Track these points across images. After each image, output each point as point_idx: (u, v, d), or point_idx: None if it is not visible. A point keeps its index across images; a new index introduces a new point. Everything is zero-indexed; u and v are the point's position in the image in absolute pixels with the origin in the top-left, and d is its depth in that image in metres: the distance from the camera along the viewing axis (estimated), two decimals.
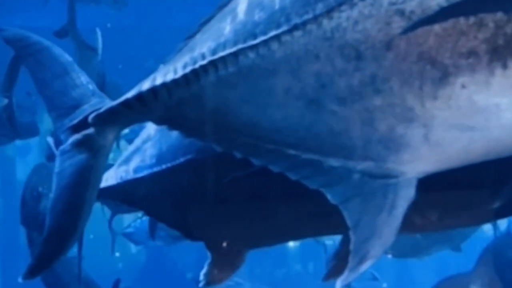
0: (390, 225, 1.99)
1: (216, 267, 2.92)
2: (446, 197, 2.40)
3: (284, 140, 2.15)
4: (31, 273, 2.43)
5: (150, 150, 2.84)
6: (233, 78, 2.18)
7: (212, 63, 2.20)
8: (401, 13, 1.90)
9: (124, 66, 7.47)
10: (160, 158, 2.79)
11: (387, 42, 1.92)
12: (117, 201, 3.08)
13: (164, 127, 2.70)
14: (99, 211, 7.11)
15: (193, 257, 12.32)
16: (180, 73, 2.27)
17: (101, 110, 2.44)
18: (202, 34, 2.32)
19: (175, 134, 2.66)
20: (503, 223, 6.19)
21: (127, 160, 2.94)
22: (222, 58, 2.18)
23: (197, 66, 2.23)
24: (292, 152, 2.15)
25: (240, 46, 2.15)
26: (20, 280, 2.45)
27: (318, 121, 2.07)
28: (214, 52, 2.20)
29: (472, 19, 1.84)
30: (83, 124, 2.47)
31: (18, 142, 8.38)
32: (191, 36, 2.37)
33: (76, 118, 2.53)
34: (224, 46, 2.19)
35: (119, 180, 2.93)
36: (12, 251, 6.63)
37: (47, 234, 2.44)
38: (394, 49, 1.92)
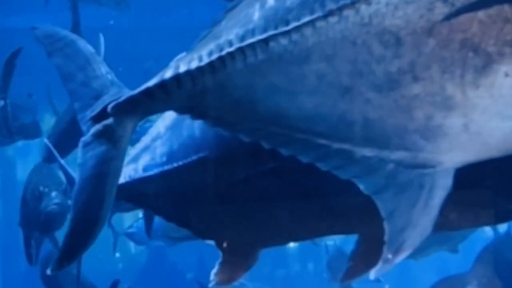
0: (427, 216, 1.95)
1: (227, 267, 2.89)
2: (466, 196, 2.35)
3: (315, 129, 2.10)
4: (59, 265, 2.44)
5: (160, 148, 2.81)
6: (262, 65, 2.12)
7: (240, 50, 2.15)
8: None
9: (124, 67, 7.46)
10: (171, 156, 2.75)
11: (429, 28, 1.88)
12: (124, 201, 3.03)
13: (176, 123, 2.68)
14: None
15: (193, 258, 12.31)
16: (205, 60, 2.21)
17: (120, 100, 2.40)
18: (227, 21, 2.26)
19: (186, 132, 2.68)
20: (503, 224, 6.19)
21: (135, 159, 2.90)
22: (251, 45, 2.13)
23: (224, 53, 2.18)
24: (322, 141, 2.10)
25: (271, 32, 2.09)
26: (48, 272, 2.47)
27: (352, 109, 2.02)
28: (242, 39, 2.15)
29: None
30: (102, 114, 2.45)
31: (18, 142, 8.38)
32: (216, 23, 2.31)
33: (96, 109, 2.51)
34: (253, 32, 2.13)
35: (127, 179, 2.89)
36: (12, 251, 6.62)
37: (72, 226, 2.44)
38: (436, 35, 1.88)
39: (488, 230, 6.74)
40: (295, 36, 2.06)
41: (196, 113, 2.33)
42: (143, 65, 9.88)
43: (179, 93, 2.28)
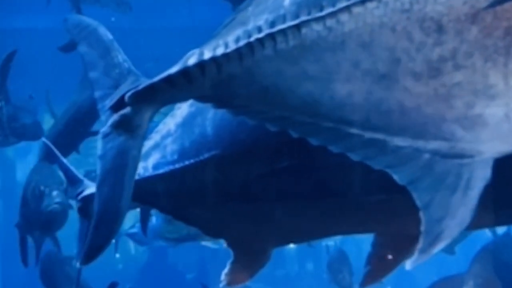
0: (465, 206, 1.91)
1: (239, 266, 2.86)
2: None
3: (346, 118, 2.05)
4: (87, 258, 2.45)
5: (171, 146, 2.77)
6: (294, 52, 2.06)
7: (270, 36, 2.09)
8: None
9: None
10: (182, 154, 2.71)
11: (472, 15, 1.83)
12: (133, 199, 3.02)
13: (186, 120, 2.65)
14: None
15: (193, 259, 12.31)
16: (232, 47, 2.16)
17: (139, 88, 2.36)
18: (255, 7, 2.20)
19: (198, 129, 2.65)
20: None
21: (145, 156, 2.85)
22: (282, 31, 2.07)
23: (252, 39, 2.12)
24: (353, 131, 2.05)
25: (303, 18, 2.03)
26: (77, 265, 2.49)
27: (388, 97, 1.97)
28: (272, 24, 2.09)
29: None
30: (120, 104, 2.41)
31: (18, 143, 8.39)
32: (242, 9, 2.25)
33: (113, 99, 2.47)
34: (284, 18, 2.07)
35: (136, 177, 2.81)
36: (12, 251, 6.62)
37: (96, 218, 2.43)
38: (479, 23, 1.83)
39: (487, 231, 6.74)
40: (330, 22, 2.00)
41: (219, 102, 2.28)
42: (143, 66, 9.88)
43: (202, 80, 2.22)
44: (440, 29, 1.87)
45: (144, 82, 2.38)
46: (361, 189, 2.38)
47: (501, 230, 6.40)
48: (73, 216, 5.85)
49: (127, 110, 2.38)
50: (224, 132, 2.55)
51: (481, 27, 1.83)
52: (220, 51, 2.18)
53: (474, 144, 1.93)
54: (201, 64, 2.20)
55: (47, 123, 7.77)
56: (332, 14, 1.99)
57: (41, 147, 7.10)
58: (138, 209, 6.76)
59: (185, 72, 2.24)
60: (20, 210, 6.46)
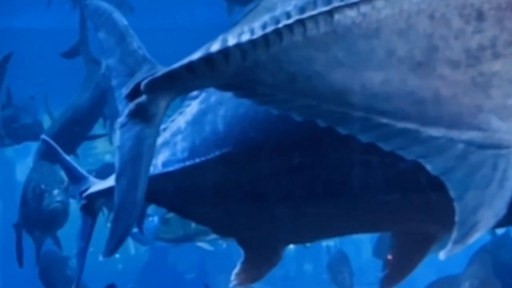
0: (501, 197, 1.87)
1: (250, 266, 2.81)
2: None
3: (377, 107, 1.99)
4: (109, 251, 2.42)
5: (181, 144, 2.73)
6: (325, 39, 2.00)
7: (300, 22, 2.02)
8: None
9: None
10: (192, 151, 2.67)
11: None
12: None
13: (197, 117, 2.61)
14: None
15: (193, 259, 12.32)
16: (259, 33, 2.08)
17: (156, 75, 2.30)
18: None
19: (208, 127, 2.61)
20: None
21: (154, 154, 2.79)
22: (313, 17, 2.00)
23: (280, 25, 2.05)
24: (384, 120, 1.99)
25: (336, 4, 1.98)
26: (101, 258, 2.47)
27: (424, 86, 1.92)
28: (302, 10, 2.02)
29: None
30: (136, 92, 2.36)
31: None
32: None
33: (129, 87, 2.42)
34: (314, 4, 2.01)
35: None
36: (12, 251, 6.62)
37: (115, 210, 2.40)
38: None
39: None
40: (364, 8, 1.95)
41: (242, 90, 2.21)
42: None
43: (225, 68, 2.15)
44: (480, 16, 1.83)
45: (161, 70, 2.33)
46: (375, 188, 2.35)
47: (500, 230, 6.40)
48: (72, 215, 5.88)
49: (142, 98, 2.33)
50: (235, 130, 2.52)
51: None
52: (245, 37, 2.11)
53: (511, 135, 1.88)
54: (225, 51, 2.13)
55: (47, 123, 7.78)
56: (367, 0, 1.95)
57: (39, 146, 7.10)
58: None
59: (208, 58, 2.16)
60: (19, 210, 6.43)
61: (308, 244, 8.37)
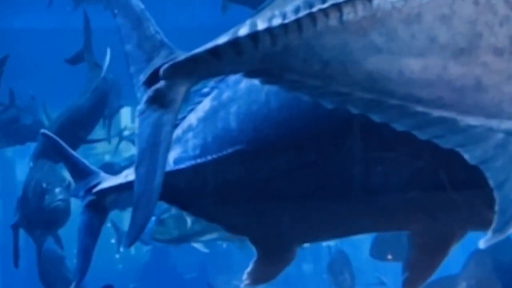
0: None
1: (263, 265, 2.78)
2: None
3: (415, 95, 1.94)
4: (130, 240, 2.39)
5: (192, 141, 2.70)
6: (362, 24, 1.94)
7: (337, 6, 1.96)
8: None
9: (122, 69, 7.46)
10: (204, 148, 2.64)
11: None
12: None
13: (209, 114, 2.58)
14: None
15: (192, 259, 12.30)
16: (291, 17, 2.01)
17: (178, 60, 2.23)
18: None
19: (221, 124, 2.58)
20: None
21: None
22: (350, 2, 1.95)
23: (315, 9, 1.98)
24: (420, 109, 1.95)
25: None
26: (121, 249, 2.43)
27: (465, 74, 1.88)
28: None
29: None
30: (154, 78, 2.30)
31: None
32: None
33: (147, 73, 2.36)
34: None
35: None
36: (12, 251, 6.62)
37: (135, 199, 2.33)
38: None
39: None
40: None
41: (269, 77, 2.13)
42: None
43: (254, 53, 2.07)
44: None
45: (181, 55, 2.27)
46: (393, 185, 2.33)
47: None
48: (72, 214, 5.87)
49: (160, 84, 2.26)
50: (248, 127, 2.50)
51: None
52: (277, 21, 2.03)
53: None
54: (254, 35, 2.06)
55: (45, 123, 7.78)
56: None
57: (37, 145, 7.10)
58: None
59: (235, 43, 2.09)
60: (20, 209, 6.41)
61: (306, 245, 8.36)
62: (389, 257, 6.97)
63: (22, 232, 6.54)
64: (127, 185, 2.80)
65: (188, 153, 2.70)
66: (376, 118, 2.01)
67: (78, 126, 6.95)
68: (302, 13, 2.00)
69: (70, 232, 6.41)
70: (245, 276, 2.79)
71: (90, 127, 7.12)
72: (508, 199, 1.88)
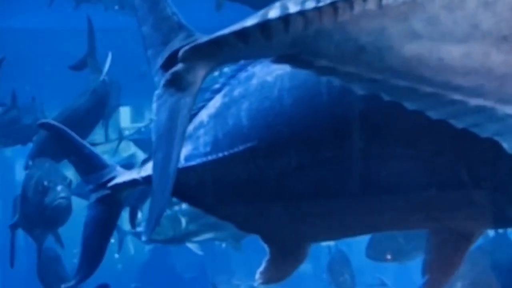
0: None
1: (275, 264, 2.75)
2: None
3: (453, 82, 1.88)
4: (149, 228, 2.34)
5: (203, 138, 2.66)
6: (402, 9, 1.88)
7: None
8: None
9: (121, 69, 7.49)
10: (215, 145, 2.61)
11: None
12: None
13: (220, 111, 2.55)
14: None
15: (192, 259, 12.30)
16: (326, 0, 1.93)
17: (200, 41, 2.15)
18: None
19: (232, 120, 2.55)
20: None
21: None
22: None
23: None
24: (457, 97, 1.89)
25: None
26: (144, 239, 2.40)
27: (507, 62, 1.83)
28: None
29: None
30: (172, 62, 2.22)
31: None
32: None
33: (164, 56, 2.28)
34: None
35: None
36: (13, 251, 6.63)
37: (153, 186, 2.24)
38: None
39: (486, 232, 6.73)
40: None
41: (298, 61, 2.05)
42: (138, 69, 9.85)
43: (284, 37, 1.98)
44: None
45: (202, 37, 2.19)
46: (408, 183, 2.29)
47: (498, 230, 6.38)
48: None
49: (179, 67, 2.18)
50: (260, 123, 2.47)
51: None
52: (310, 4, 1.95)
53: None
54: (286, 18, 1.97)
55: None
56: None
57: (35, 143, 7.10)
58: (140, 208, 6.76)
59: (265, 25, 1.99)
60: (19, 209, 6.41)
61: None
62: (385, 257, 6.97)
63: (22, 231, 6.54)
64: (146, 180, 2.76)
65: (199, 150, 2.67)
66: (410, 105, 1.96)
67: (76, 128, 6.93)
68: None
69: (70, 231, 6.43)
70: (257, 275, 2.75)
71: (89, 129, 7.11)
72: None
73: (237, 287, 9.13)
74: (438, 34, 1.87)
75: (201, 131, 2.69)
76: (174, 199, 2.98)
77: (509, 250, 6.26)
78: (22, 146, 8.38)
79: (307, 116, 2.34)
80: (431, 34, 1.87)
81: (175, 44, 2.27)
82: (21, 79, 8.17)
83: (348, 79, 2.00)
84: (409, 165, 2.25)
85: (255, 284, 2.73)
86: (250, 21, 2.03)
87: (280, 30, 1.98)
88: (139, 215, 7.61)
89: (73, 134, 3.25)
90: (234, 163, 2.55)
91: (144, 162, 2.91)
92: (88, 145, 3.25)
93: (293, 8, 1.97)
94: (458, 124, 1.93)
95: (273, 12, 2.00)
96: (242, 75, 2.64)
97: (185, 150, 2.68)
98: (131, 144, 10.14)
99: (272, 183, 2.52)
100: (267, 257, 2.76)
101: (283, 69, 2.43)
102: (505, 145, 1.89)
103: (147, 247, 12.40)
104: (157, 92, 2.25)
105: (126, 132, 10.31)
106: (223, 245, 10.09)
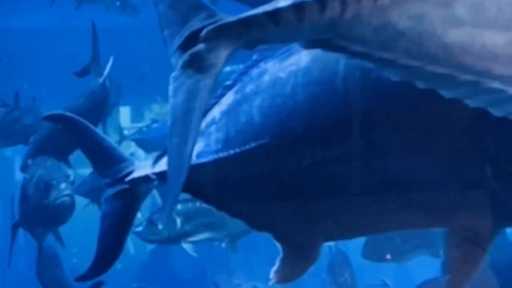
0: None
1: (289, 262, 2.73)
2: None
3: (494, 70, 1.83)
4: (167, 216, 2.24)
5: (215, 134, 2.64)
6: None
7: None
8: None
9: (121, 69, 7.49)
10: (227, 142, 2.59)
11: None
12: None
13: (232, 108, 2.53)
14: (97, 211, 7.10)
15: (192, 259, 12.30)
16: None
17: (228, 20, 2.06)
18: None
19: (244, 117, 2.52)
20: None
21: None
22: None
23: None
24: (495, 85, 1.84)
25: None
26: (160, 227, 2.35)
27: None
28: None
29: None
30: (190, 42, 2.13)
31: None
32: None
33: (183, 36, 2.18)
34: None
35: None
36: (13, 250, 6.64)
37: (168, 171, 2.16)
38: None
39: None
40: None
41: (331, 46, 1.97)
42: (138, 69, 9.86)
43: (318, 20, 1.89)
44: None
45: (224, 17, 2.10)
46: (427, 179, 2.26)
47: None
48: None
49: (200, 47, 2.08)
50: (272, 120, 2.45)
51: None
52: None
53: None
54: (323, 0, 1.88)
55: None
56: None
57: (33, 142, 7.11)
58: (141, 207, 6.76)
59: (299, 7, 1.90)
60: (19, 208, 6.39)
61: None
62: (381, 257, 6.97)
63: (21, 231, 6.54)
64: (164, 176, 2.77)
65: (210, 147, 2.65)
66: (446, 93, 1.91)
67: None
68: None
69: (70, 231, 6.43)
70: (271, 274, 2.72)
71: None
72: None
73: (238, 286, 9.11)
74: (482, 21, 1.81)
75: (213, 127, 2.67)
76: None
77: (508, 250, 6.26)
78: (23, 146, 8.40)
79: (320, 113, 2.32)
80: (475, 20, 1.82)
81: (195, 24, 2.17)
82: (21, 80, 8.17)
83: (382, 64, 1.94)
84: (429, 163, 2.23)
85: (270, 283, 2.71)
86: (283, 1, 1.94)
87: (315, 13, 1.90)
88: (139, 215, 7.62)
89: (91, 126, 3.18)
90: (246, 160, 2.54)
91: (159, 158, 2.88)
92: (107, 138, 3.18)
93: None
94: (498, 112, 1.88)
95: None
96: (254, 71, 2.63)
97: (197, 147, 2.62)
98: (132, 143, 10.15)
99: (284, 181, 2.50)
100: (280, 256, 2.74)
101: (296, 65, 2.41)
102: None
103: (148, 247, 12.40)
104: (173, 74, 2.17)
105: (126, 132, 10.31)
106: (223, 245, 10.10)
